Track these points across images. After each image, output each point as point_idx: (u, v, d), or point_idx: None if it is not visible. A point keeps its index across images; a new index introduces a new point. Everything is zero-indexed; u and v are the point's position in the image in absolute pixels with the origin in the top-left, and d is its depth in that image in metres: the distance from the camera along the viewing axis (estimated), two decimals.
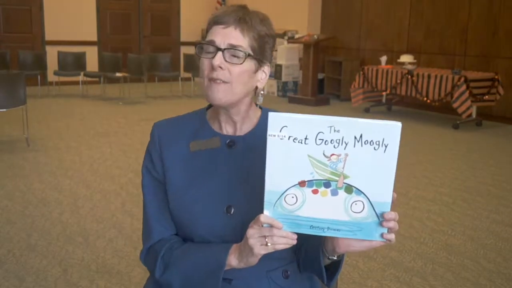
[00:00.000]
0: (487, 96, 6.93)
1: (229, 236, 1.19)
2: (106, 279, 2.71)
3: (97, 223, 3.45)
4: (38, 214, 3.59)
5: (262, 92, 1.26)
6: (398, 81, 7.49)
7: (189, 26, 11.69)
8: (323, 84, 9.85)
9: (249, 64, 1.18)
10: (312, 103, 8.64)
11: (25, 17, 10.16)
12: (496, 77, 6.99)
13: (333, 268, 1.21)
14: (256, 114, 1.28)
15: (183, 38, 11.80)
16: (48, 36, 10.29)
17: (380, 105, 8.50)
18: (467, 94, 6.69)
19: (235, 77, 1.17)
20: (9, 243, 3.11)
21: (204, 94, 1.20)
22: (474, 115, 7.19)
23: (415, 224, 3.56)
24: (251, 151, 1.22)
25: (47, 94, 9.21)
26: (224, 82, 1.16)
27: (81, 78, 9.38)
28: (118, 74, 8.96)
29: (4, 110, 5.37)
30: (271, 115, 0.99)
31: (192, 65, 9.75)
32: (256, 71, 1.21)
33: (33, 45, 10.21)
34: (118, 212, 3.65)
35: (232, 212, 1.20)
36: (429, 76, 7.12)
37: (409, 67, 7.49)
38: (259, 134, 1.21)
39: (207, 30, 1.21)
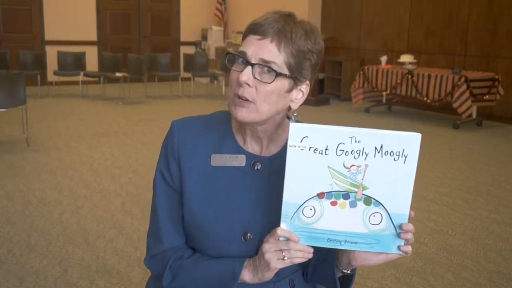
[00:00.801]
0: (487, 96, 6.93)
1: None
2: (106, 279, 2.70)
3: (97, 223, 3.45)
4: (38, 214, 3.59)
5: (294, 115, 1.14)
6: (398, 81, 7.48)
7: (189, 26, 11.70)
8: (323, 84, 9.85)
9: (281, 83, 1.06)
10: (312, 103, 8.64)
11: (25, 17, 10.16)
12: (496, 77, 6.99)
13: (344, 281, 1.18)
14: (284, 132, 1.15)
15: (183, 38, 11.80)
16: (48, 36, 10.29)
17: (380, 105, 8.49)
18: (467, 94, 6.69)
19: (261, 97, 1.06)
20: (9, 243, 3.10)
21: (228, 106, 1.11)
22: (474, 115, 7.19)
23: (415, 224, 3.53)
24: (276, 175, 1.11)
25: (47, 94, 9.21)
26: (248, 101, 1.06)
27: (81, 78, 9.38)
28: (118, 74, 8.96)
29: (4, 110, 5.37)
30: (292, 125, 0.97)
31: (192, 65, 9.76)
32: (290, 90, 1.09)
33: (33, 45, 10.21)
34: (118, 212, 3.65)
35: (248, 239, 1.14)
36: (429, 76, 7.12)
37: (409, 67, 7.49)
38: (285, 156, 1.04)
39: (243, 37, 1.09)
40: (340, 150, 0.97)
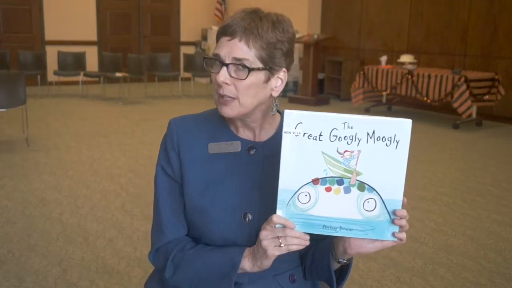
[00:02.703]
0: (487, 96, 6.93)
1: (244, 243, 1.17)
2: (106, 279, 2.70)
3: (97, 223, 3.45)
4: (38, 214, 3.59)
5: (276, 102, 1.21)
6: (398, 81, 7.48)
7: (189, 26, 11.70)
8: (323, 84, 9.85)
9: (257, 76, 1.13)
10: (312, 103, 8.64)
11: (25, 17, 10.16)
12: (496, 77, 6.99)
13: (341, 274, 1.20)
14: (275, 120, 1.24)
15: (183, 38, 11.80)
16: (48, 36, 10.29)
17: (380, 105, 8.50)
18: (467, 94, 6.69)
19: (241, 92, 1.13)
20: (9, 243, 3.10)
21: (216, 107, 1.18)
22: (474, 115, 7.19)
23: (415, 224, 3.55)
24: (270, 158, 1.19)
25: (47, 94, 9.21)
26: (231, 98, 1.13)
27: (81, 78, 9.37)
28: (118, 74, 8.96)
29: (4, 110, 5.37)
30: (287, 112, 0.99)
31: (192, 65, 9.76)
32: (267, 80, 1.15)
33: (33, 45, 10.21)
34: (118, 212, 3.65)
35: (248, 220, 1.18)
36: (429, 76, 7.12)
37: (409, 67, 7.48)
38: (278, 141, 1.12)
39: (216, 40, 1.16)
40: (334, 135, 0.99)
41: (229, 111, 1.14)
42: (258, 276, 1.16)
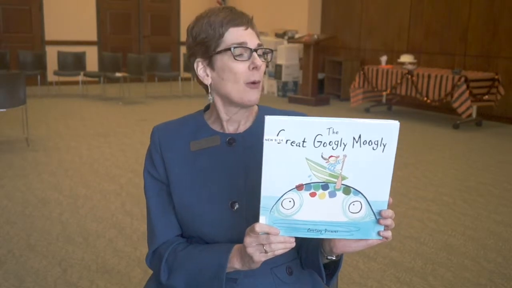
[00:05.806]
0: (487, 96, 6.93)
1: (234, 232, 1.18)
2: (106, 279, 2.70)
3: (97, 223, 3.45)
4: (38, 214, 3.59)
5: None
6: (398, 81, 7.48)
7: None
8: (323, 84, 9.85)
9: None
10: (312, 103, 8.64)
11: (25, 17, 10.16)
12: (496, 77, 6.98)
13: (333, 267, 1.22)
14: (254, 110, 1.29)
15: (183, 38, 11.79)
16: (48, 36, 10.29)
17: (380, 105, 8.50)
18: (467, 94, 6.69)
19: (262, 76, 1.21)
20: (9, 243, 3.10)
21: (237, 97, 1.19)
22: (474, 115, 7.19)
23: (415, 224, 3.56)
24: (250, 147, 1.23)
25: (47, 94, 9.21)
26: (259, 83, 1.20)
27: (81, 78, 9.38)
28: (118, 74, 8.95)
29: (4, 110, 5.37)
30: (268, 118, 0.95)
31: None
32: None
33: (33, 45, 10.21)
34: (118, 212, 3.65)
35: (236, 208, 1.20)
36: (429, 76, 7.12)
37: (409, 67, 7.48)
38: (256, 130, 1.23)
39: (221, 32, 1.17)
40: (318, 141, 0.96)
41: (257, 95, 1.20)
42: (254, 270, 1.16)
